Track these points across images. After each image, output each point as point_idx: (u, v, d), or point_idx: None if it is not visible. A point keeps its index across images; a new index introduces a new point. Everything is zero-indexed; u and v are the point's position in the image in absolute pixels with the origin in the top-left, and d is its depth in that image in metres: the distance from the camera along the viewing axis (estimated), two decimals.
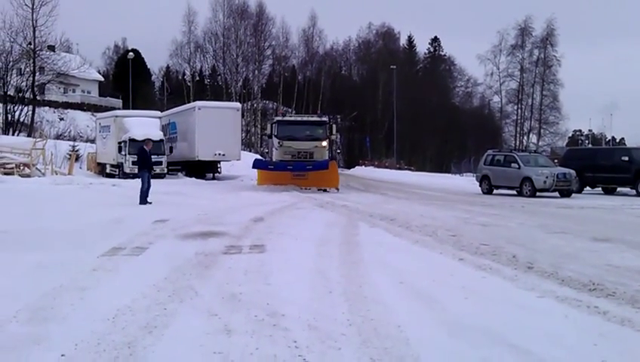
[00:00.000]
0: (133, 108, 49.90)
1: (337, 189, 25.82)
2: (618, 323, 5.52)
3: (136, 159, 22.65)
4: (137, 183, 25.43)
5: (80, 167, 40.26)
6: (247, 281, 7.10)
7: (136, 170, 32.58)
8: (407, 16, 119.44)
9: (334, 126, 28.47)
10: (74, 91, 74.46)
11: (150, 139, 19.71)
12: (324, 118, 28.34)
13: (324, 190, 25.49)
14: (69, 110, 66.84)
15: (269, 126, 28.27)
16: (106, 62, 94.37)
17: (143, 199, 17.96)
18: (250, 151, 61.68)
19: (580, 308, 6.01)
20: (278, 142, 26.53)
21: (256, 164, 27.12)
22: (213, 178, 36.01)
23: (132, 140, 32.80)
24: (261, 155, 60.51)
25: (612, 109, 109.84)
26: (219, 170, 37.29)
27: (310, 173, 25.90)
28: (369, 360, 4.47)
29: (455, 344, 4.92)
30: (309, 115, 29.54)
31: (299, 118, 29.82)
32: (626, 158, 25.89)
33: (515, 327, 5.36)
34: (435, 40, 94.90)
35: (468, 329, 5.31)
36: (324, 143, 27.04)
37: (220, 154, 34.31)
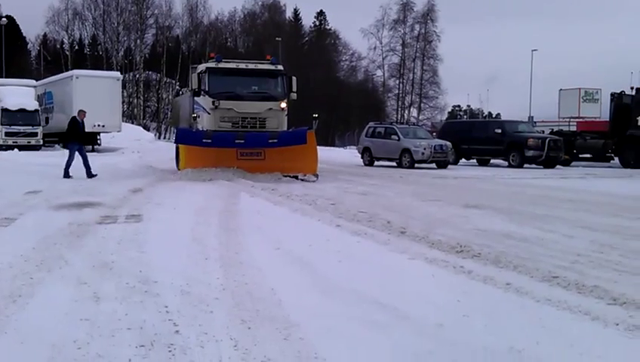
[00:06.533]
0: (6, 77, 47.43)
1: (316, 176, 17.10)
2: (481, 281, 5.79)
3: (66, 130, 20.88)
4: (11, 155, 24.27)
5: None
6: (121, 250, 6.94)
7: (10, 142, 31.48)
8: None
9: (294, 79, 19.06)
10: None
11: (83, 110, 18.48)
12: (280, 67, 19.23)
13: (295, 177, 17.01)
14: None
15: (194, 77, 18.36)
16: None
17: (67, 173, 16.93)
18: (132, 123, 60.23)
19: (446, 269, 6.26)
20: (213, 103, 17.63)
21: (183, 137, 17.83)
22: (93, 150, 34.85)
23: (4, 110, 32.09)
24: (144, 128, 59.26)
25: (489, 85, 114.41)
26: (98, 141, 36.22)
27: (270, 151, 17.46)
28: (240, 322, 4.48)
29: (326, 304, 5.02)
30: (256, 61, 19.90)
31: (242, 66, 19.17)
32: (499, 131, 27.13)
33: (385, 287, 5.54)
34: (321, 14, 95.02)
35: (340, 290, 5.43)
36: (283, 105, 18.49)
37: (99, 125, 33.20)
